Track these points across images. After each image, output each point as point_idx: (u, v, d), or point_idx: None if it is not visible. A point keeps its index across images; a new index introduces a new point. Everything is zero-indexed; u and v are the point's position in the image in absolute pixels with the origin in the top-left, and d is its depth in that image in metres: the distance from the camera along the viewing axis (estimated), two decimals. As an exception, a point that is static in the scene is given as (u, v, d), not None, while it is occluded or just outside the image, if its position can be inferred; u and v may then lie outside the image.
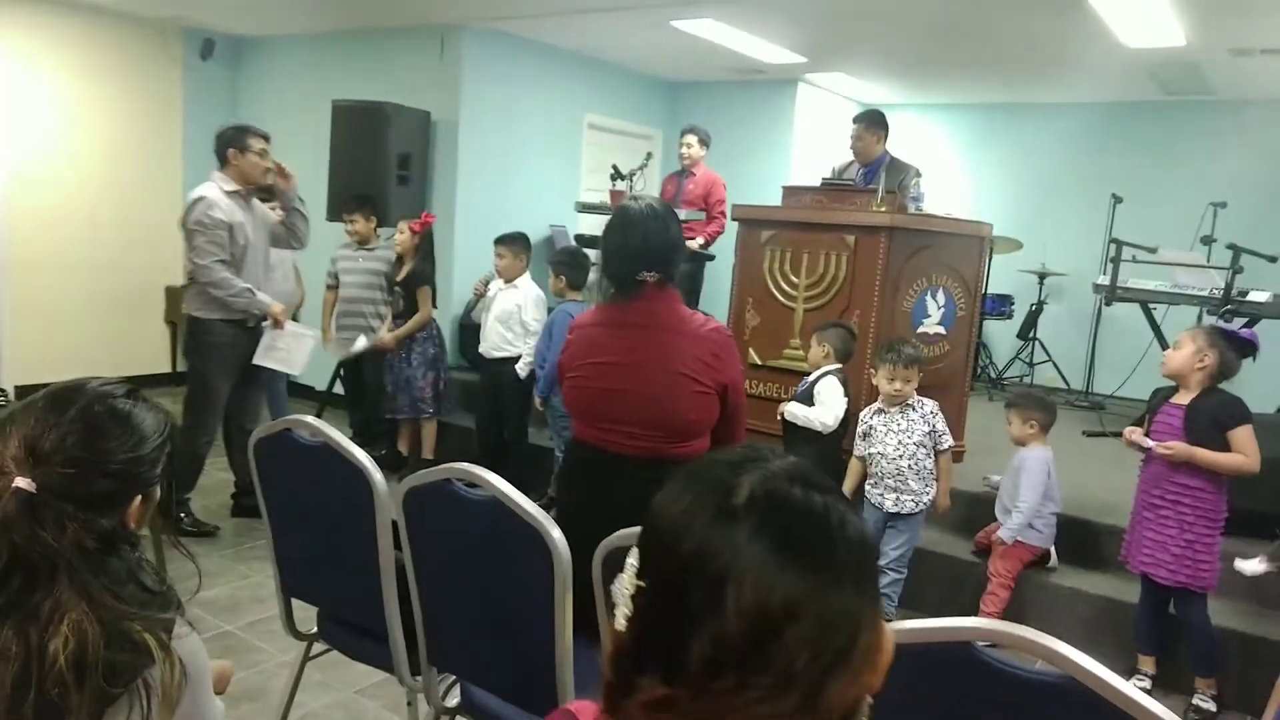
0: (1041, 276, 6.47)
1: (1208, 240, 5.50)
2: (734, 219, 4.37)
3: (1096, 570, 3.54)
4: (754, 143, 6.78)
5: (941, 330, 4.08)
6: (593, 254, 4.74)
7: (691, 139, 5.52)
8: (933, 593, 3.57)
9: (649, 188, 5.67)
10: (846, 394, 3.48)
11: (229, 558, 3.80)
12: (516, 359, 4.62)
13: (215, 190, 3.77)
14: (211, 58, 6.60)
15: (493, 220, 5.50)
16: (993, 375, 6.42)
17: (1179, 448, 2.89)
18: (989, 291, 5.33)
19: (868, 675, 0.67)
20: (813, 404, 3.47)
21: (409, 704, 2.24)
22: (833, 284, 3.98)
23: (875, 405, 3.41)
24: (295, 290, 5.03)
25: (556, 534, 1.59)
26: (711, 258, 5.61)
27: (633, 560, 0.70)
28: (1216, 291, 4.64)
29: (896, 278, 3.89)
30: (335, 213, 5.34)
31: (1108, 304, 5.26)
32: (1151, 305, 5.17)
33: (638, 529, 1.56)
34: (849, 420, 3.49)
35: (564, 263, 4.42)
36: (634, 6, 4.88)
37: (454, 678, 2.03)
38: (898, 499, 3.29)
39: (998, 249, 5.94)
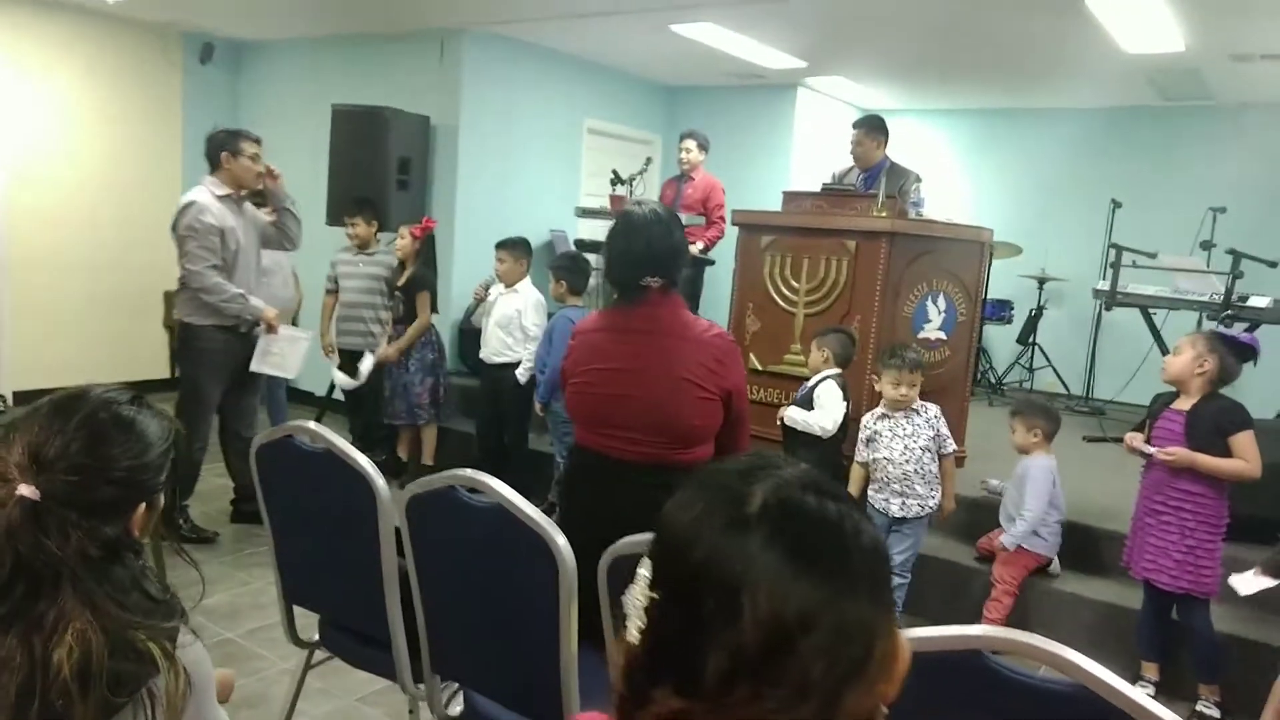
0: (1041, 281, 6.47)
1: (1207, 245, 5.50)
2: (734, 224, 4.37)
3: (1099, 576, 3.54)
4: (753, 147, 6.78)
5: (942, 335, 4.08)
6: (593, 259, 4.74)
7: (690, 144, 5.53)
8: (935, 598, 3.56)
9: (649, 192, 5.67)
10: (846, 399, 3.48)
11: (228, 564, 3.79)
12: (517, 364, 4.61)
13: (206, 195, 3.74)
14: (211, 62, 6.60)
15: (492, 225, 5.50)
16: (993, 380, 6.42)
17: (1180, 454, 2.88)
18: (988, 296, 5.33)
19: (883, 685, 0.66)
20: (812, 409, 3.47)
21: (411, 712, 2.22)
22: (833, 289, 3.98)
23: (878, 410, 3.40)
24: (294, 295, 5.02)
25: (561, 540, 1.58)
26: (711, 263, 5.61)
27: (644, 571, 0.69)
28: (1216, 297, 4.64)
29: (897, 283, 3.89)
30: (335, 217, 5.34)
31: (1108, 309, 5.27)
32: (1151, 310, 5.18)
33: (643, 536, 1.56)
34: (848, 425, 3.49)
35: (565, 268, 4.42)
36: (633, 11, 4.88)
37: (457, 685, 2.02)
38: (903, 503, 3.29)
39: (997, 254, 5.94)
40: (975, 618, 3.44)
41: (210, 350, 3.79)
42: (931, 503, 3.32)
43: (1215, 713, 2.97)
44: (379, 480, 1.85)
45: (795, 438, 3.52)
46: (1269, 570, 2.77)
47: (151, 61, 6.30)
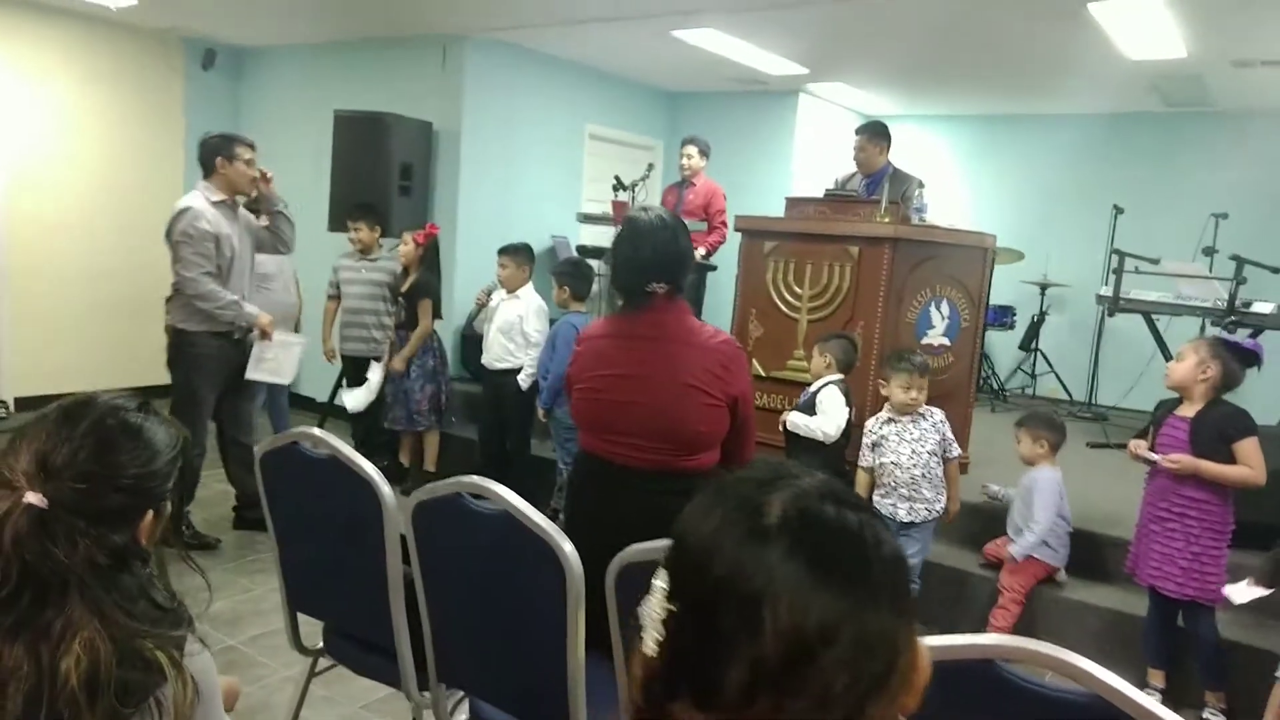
0: (1043, 287, 6.47)
1: (1209, 251, 5.51)
2: (737, 230, 4.38)
3: (1104, 583, 3.53)
4: (755, 153, 6.79)
5: (946, 341, 4.08)
6: (595, 264, 4.74)
7: (692, 149, 5.53)
8: (939, 605, 3.55)
9: (651, 198, 5.67)
10: (849, 404, 3.48)
11: (230, 571, 3.78)
12: (519, 370, 4.61)
13: (201, 201, 3.71)
14: (213, 68, 6.61)
15: (494, 231, 5.50)
16: (995, 386, 6.42)
17: (1185, 461, 2.88)
18: (990, 302, 5.33)
19: (905, 696, 0.66)
20: (814, 414, 3.47)
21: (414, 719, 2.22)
22: (836, 295, 3.98)
23: (884, 415, 3.39)
24: (296, 299, 5.02)
25: (568, 547, 1.57)
26: (713, 268, 5.61)
27: (660, 582, 0.68)
28: (1220, 303, 4.64)
29: (900, 289, 3.89)
30: (337, 223, 5.34)
31: (1110, 315, 5.26)
32: (1154, 316, 5.17)
33: (653, 544, 1.56)
34: (851, 431, 3.49)
35: (567, 274, 4.41)
36: (635, 17, 4.89)
37: (462, 693, 2.01)
38: (910, 508, 3.28)
39: (999, 260, 5.93)
40: (980, 624, 3.43)
41: (204, 356, 3.77)
42: (938, 507, 3.32)
43: (1221, 720, 2.96)
44: (384, 487, 1.84)
45: (797, 443, 3.51)
46: (1263, 579, 2.76)
47: (153, 67, 6.31)
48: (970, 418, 4.33)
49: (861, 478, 3.43)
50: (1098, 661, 1.05)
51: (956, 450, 3.40)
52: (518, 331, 4.62)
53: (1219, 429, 2.89)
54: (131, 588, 1.09)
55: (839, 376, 3.51)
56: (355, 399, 4.85)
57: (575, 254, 5.70)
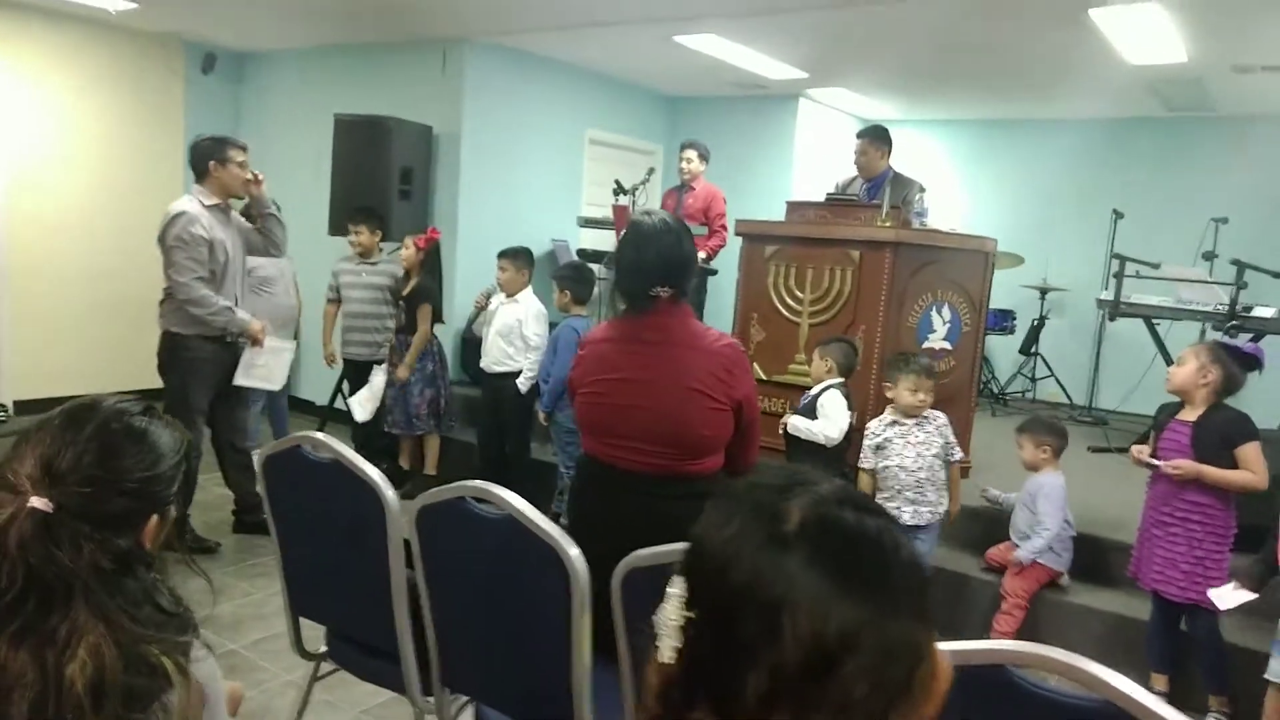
0: (1043, 291, 6.47)
1: (1209, 256, 5.50)
2: (738, 234, 4.37)
3: (1107, 587, 3.53)
4: (755, 158, 6.79)
5: (947, 346, 4.07)
6: (595, 269, 4.74)
7: (691, 154, 5.53)
8: (940, 609, 3.53)
9: (651, 202, 5.67)
10: (850, 408, 3.48)
11: (231, 575, 3.77)
12: (517, 373, 4.60)
13: (196, 205, 3.68)
14: (213, 71, 6.61)
15: (494, 234, 5.49)
16: (995, 391, 6.41)
17: (1187, 466, 2.88)
18: (990, 307, 5.33)
19: (925, 704, 0.65)
20: (815, 417, 3.46)
21: (417, 724, 2.21)
22: (837, 299, 3.97)
23: (887, 418, 3.39)
24: (296, 303, 5.01)
25: (574, 552, 1.56)
26: (714, 272, 5.61)
27: (676, 590, 0.67)
28: (1221, 307, 4.64)
29: (901, 293, 3.89)
30: (338, 227, 5.33)
31: (1111, 319, 5.26)
32: (1155, 321, 5.17)
33: (657, 549, 1.55)
34: (851, 435, 3.48)
35: (569, 277, 4.41)
36: (636, 21, 4.89)
37: (466, 698, 2.00)
38: (915, 511, 3.28)
39: (999, 264, 5.92)
40: (981, 628, 3.43)
41: (198, 360, 3.75)
42: (941, 509, 3.33)
43: (1224, 725, 2.95)
44: (388, 491, 1.83)
45: (798, 447, 3.51)
46: (1250, 583, 2.75)
47: (153, 71, 6.31)
48: (971, 422, 4.33)
49: (864, 480, 3.42)
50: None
51: (959, 453, 3.41)
52: (517, 335, 4.62)
53: (1221, 434, 2.89)
54: (136, 592, 1.08)
55: (840, 380, 3.51)
56: (363, 407, 4.83)
57: (575, 258, 5.70)
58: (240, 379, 3.85)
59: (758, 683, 0.61)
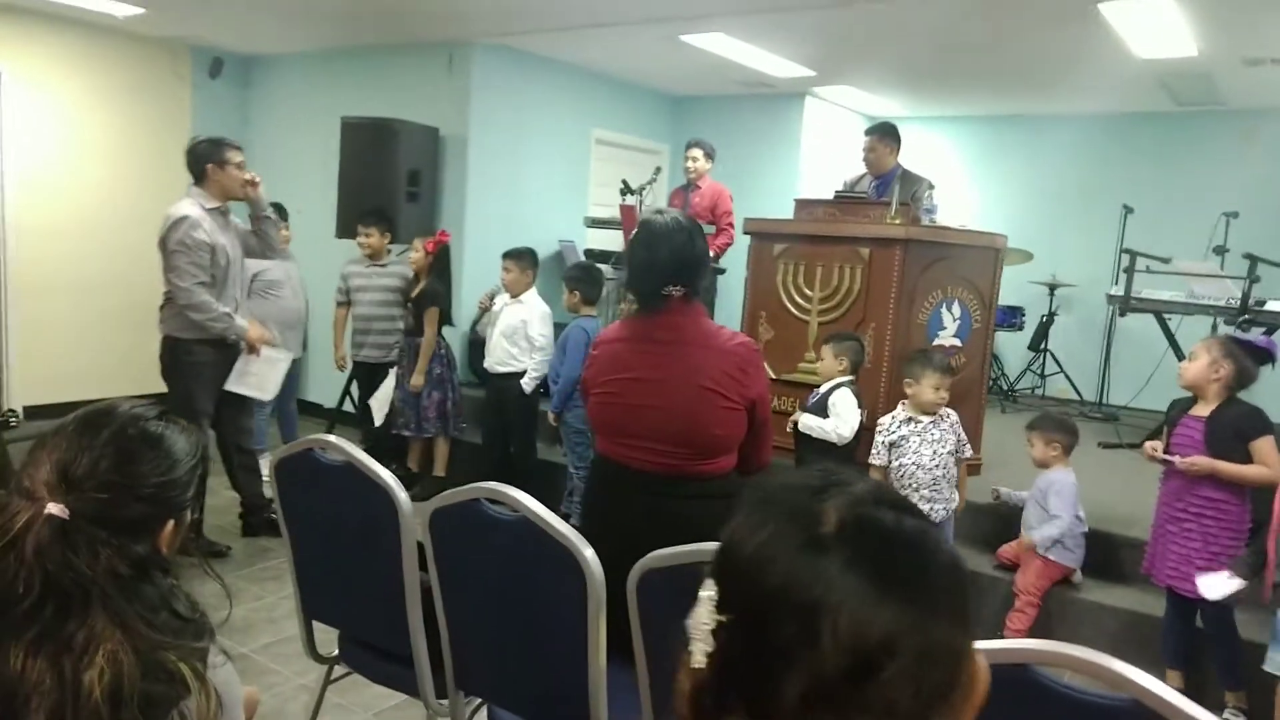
0: (1052, 288, 6.44)
1: (1220, 250, 5.48)
2: (746, 233, 4.36)
3: (1120, 584, 3.51)
4: (761, 156, 6.78)
5: (957, 343, 4.05)
6: (603, 269, 4.73)
7: (697, 152, 5.52)
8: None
9: (658, 202, 5.66)
10: (860, 406, 3.47)
11: (242, 579, 3.77)
12: (522, 374, 4.61)
13: (198, 209, 3.64)
14: (220, 76, 6.62)
15: (502, 236, 5.49)
16: (1004, 387, 6.39)
17: (1202, 462, 2.86)
18: (999, 303, 5.31)
19: (966, 708, 0.64)
20: (827, 416, 3.45)
21: (430, 727, 2.20)
22: (847, 297, 3.96)
23: (901, 414, 3.38)
24: (304, 305, 5.00)
25: (589, 553, 1.56)
26: (721, 271, 5.59)
27: (708, 593, 0.66)
28: (1233, 301, 4.61)
29: (912, 290, 3.87)
30: (345, 230, 5.33)
31: (1122, 314, 5.23)
32: (1166, 315, 5.14)
33: (673, 549, 1.54)
34: (861, 432, 3.48)
35: (578, 278, 4.40)
36: (642, 21, 4.88)
37: (479, 700, 1.99)
38: (931, 508, 3.28)
39: (1008, 260, 5.90)
40: (993, 626, 3.41)
41: (201, 364, 3.73)
42: (954, 505, 3.36)
43: (1242, 720, 2.93)
44: (401, 493, 1.83)
45: (809, 445, 3.50)
46: (1240, 572, 2.74)
47: (160, 76, 6.32)
48: (982, 419, 4.30)
49: (875, 477, 3.42)
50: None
51: (969, 450, 3.43)
52: (522, 336, 4.62)
53: (1235, 428, 2.87)
54: (153, 598, 1.07)
55: (850, 378, 3.50)
56: (381, 410, 4.84)
57: (583, 259, 5.69)
58: (232, 384, 3.83)
59: (795, 688, 0.59)
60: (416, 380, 4.70)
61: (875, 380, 3.85)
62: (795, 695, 0.59)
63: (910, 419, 3.35)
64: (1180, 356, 4.37)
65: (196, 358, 3.73)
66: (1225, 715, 2.95)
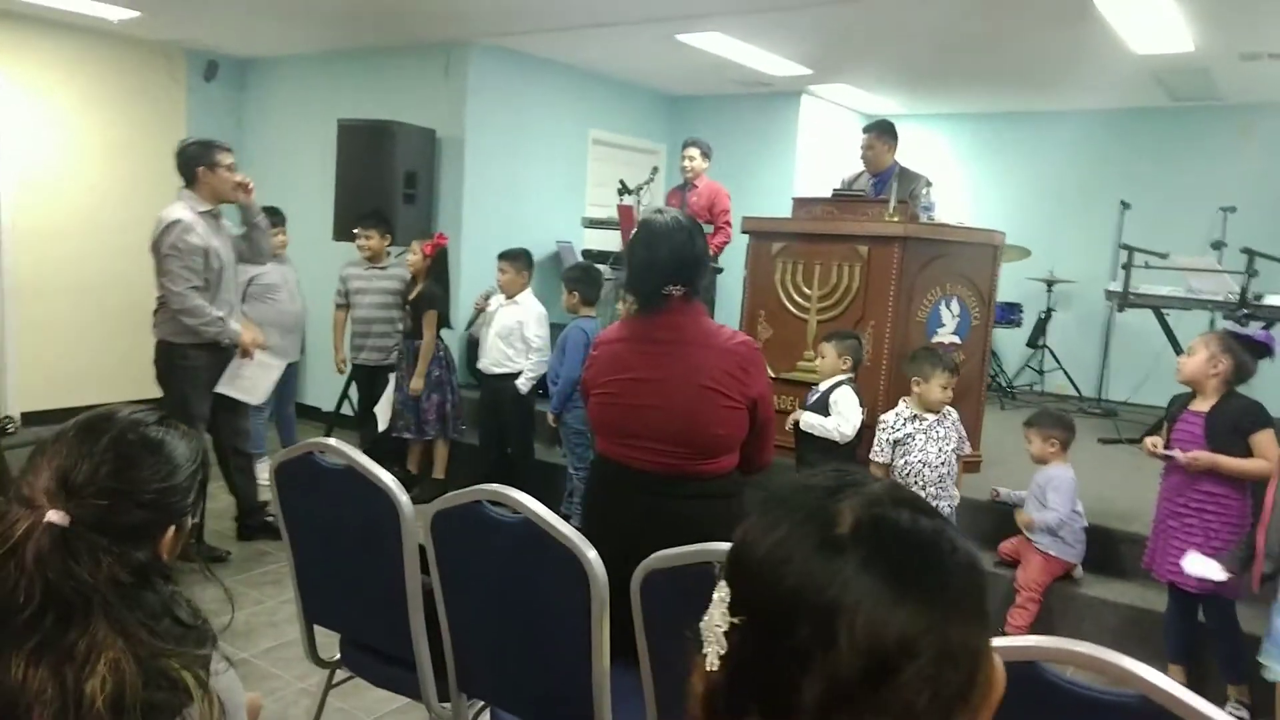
0: (1050, 284, 6.44)
1: (1218, 245, 5.48)
2: (744, 231, 4.36)
3: (1121, 579, 3.51)
4: (758, 155, 6.77)
5: (956, 340, 4.05)
6: (602, 269, 4.73)
7: (694, 151, 5.52)
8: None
9: (656, 201, 5.65)
10: (862, 404, 3.47)
11: (241, 583, 3.76)
12: (517, 375, 4.60)
13: (190, 213, 3.61)
14: (215, 79, 6.61)
15: (499, 237, 5.48)
16: (1003, 384, 6.39)
17: (1203, 457, 2.86)
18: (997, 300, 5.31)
19: (984, 709, 0.63)
20: (828, 414, 3.45)
21: (432, 730, 2.20)
22: (846, 295, 3.96)
23: (906, 413, 3.38)
24: (302, 308, 4.99)
25: (592, 555, 1.55)
26: (720, 270, 5.59)
27: (721, 594, 0.65)
28: (1231, 296, 4.61)
29: (910, 288, 3.87)
30: (342, 232, 5.32)
31: (1120, 310, 5.23)
32: (1164, 311, 5.15)
33: (676, 550, 1.53)
34: (862, 430, 3.48)
35: (578, 279, 4.40)
36: (639, 21, 4.87)
37: (482, 703, 1.99)
38: (936, 505, 3.28)
39: (1005, 257, 5.90)
40: (996, 623, 3.41)
41: (196, 368, 3.71)
42: (955, 502, 3.38)
43: (1245, 714, 2.93)
44: (402, 496, 1.82)
45: (810, 444, 3.50)
46: (1231, 565, 2.74)
47: (156, 79, 6.30)
48: (982, 415, 4.30)
49: (877, 474, 3.42)
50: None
51: (968, 447, 3.45)
52: (517, 337, 4.62)
53: (1234, 422, 2.87)
54: (155, 605, 1.07)
55: (849, 376, 3.50)
56: (385, 414, 4.83)
57: (581, 259, 5.69)
58: (222, 386, 3.81)
59: (811, 690, 0.59)
60: (416, 384, 4.70)
61: (874, 378, 3.85)
62: (811, 698, 0.58)
63: (916, 416, 3.35)
64: (1179, 352, 4.37)
65: (191, 362, 3.71)
66: (1228, 709, 2.95)
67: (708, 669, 0.64)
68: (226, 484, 4.14)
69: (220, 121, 6.53)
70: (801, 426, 3.49)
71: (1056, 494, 3.32)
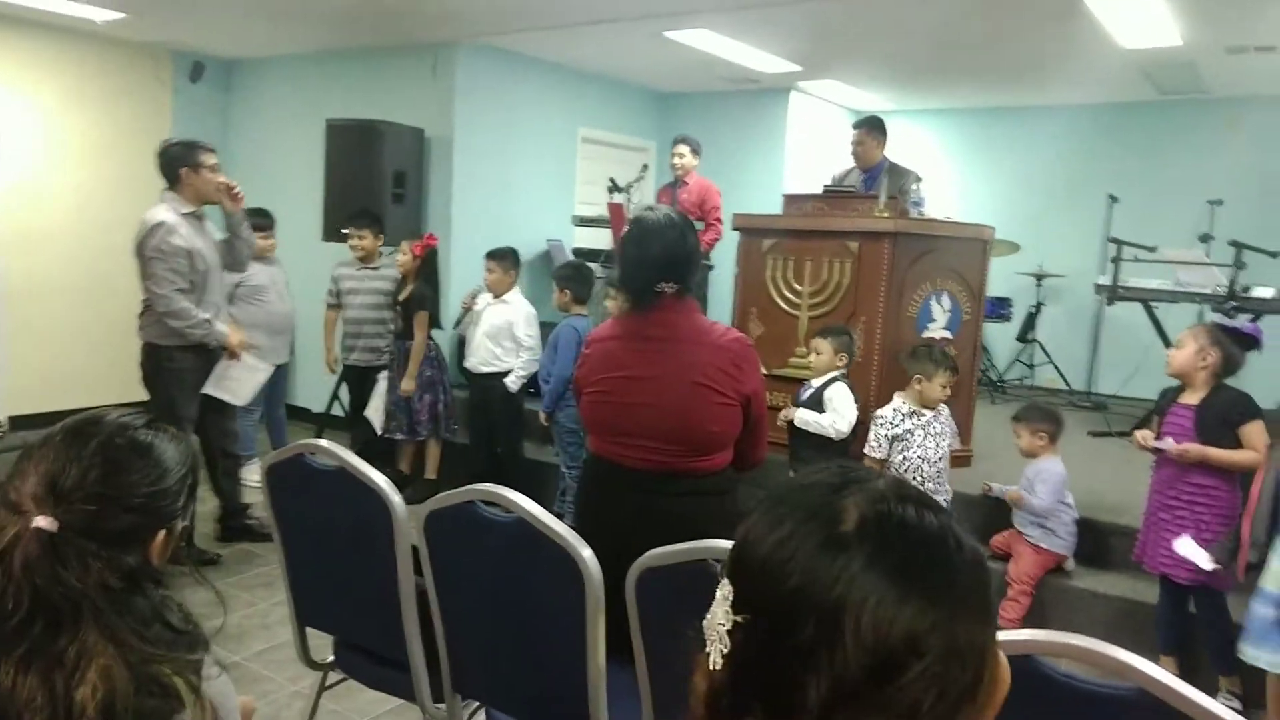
0: (1039, 278, 6.47)
1: (1205, 238, 5.51)
2: (735, 229, 4.36)
3: (1112, 571, 3.52)
4: (747, 152, 6.77)
5: (948, 335, 4.06)
6: (593, 267, 4.72)
7: (683, 148, 5.51)
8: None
9: (646, 199, 5.65)
10: (856, 400, 3.47)
11: (232, 586, 3.73)
12: (506, 374, 4.59)
13: (173, 215, 3.57)
14: (201, 80, 6.56)
15: (489, 236, 5.46)
16: (993, 379, 6.41)
17: (1193, 449, 2.88)
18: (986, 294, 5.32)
19: (989, 707, 0.63)
20: (822, 410, 3.45)
21: (426, 731, 2.19)
22: (837, 291, 3.96)
23: (904, 408, 3.39)
24: (291, 309, 4.96)
25: (587, 553, 1.54)
26: (710, 267, 5.59)
27: (724, 592, 0.64)
28: (1219, 289, 4.64)
29: (901, 283, 3.88)
30: (331, 233, 5.30)
31: (1109, 304, 5.25)
32: (1153, 304, 5.17)
33: (672, 548, 1.52)
34: (857, 426, 3.48)
35: (569, 277, 4.39)
36: (627, 19, 4.86)
37: (476, 704, 1.98)
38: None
39: (995, 252, 5.93)
40: (991, 618, 3.42)
41: (183, 371, 3.68)
42: (949, 496, 3.41)
43: (1237, 705, 2.95)
44: (395, 497, 1.81)
45: (805, 440, 3.50)
46: (1220, 557, 2.77)
47: (141, 81, 6.25)
48: (973, 410, 4.32)
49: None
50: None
51: (958, 442, 3.48)
52: (507, 336, 4.61)
53: (1223, 414, 2.90)
54: (145, 611, 1.05)
55: (842, 372, 3.50)
56: (379, 416, 4.81)
57: (571, 257, 5.68)
58: (208, 387, 3.79)
59: (816, 689, 0.58)
60: (407, 385, 4.68)
61: (866, 373, 3.85)
62: (816, 697, 0.58)
63: (915, 412, 3.36)
64: (1168, 345, 4.39)
65: (178, 364, 3.68)
66: (1219, 700, 2.96)
67: (711, 668, 0.63)
68: (212, 486, 4.11)
69: (206, 122, 6.49)
70: (797, 423, 3.49)
71: (1044, 485, 3.34)
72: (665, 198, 5.61)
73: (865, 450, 3.42)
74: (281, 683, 2.97)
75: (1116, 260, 5.03)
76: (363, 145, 5.34)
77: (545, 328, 4.72)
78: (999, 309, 6.50)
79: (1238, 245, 4.55)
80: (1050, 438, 3.43)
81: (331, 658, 2.22)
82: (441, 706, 1.94)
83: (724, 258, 5.30)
